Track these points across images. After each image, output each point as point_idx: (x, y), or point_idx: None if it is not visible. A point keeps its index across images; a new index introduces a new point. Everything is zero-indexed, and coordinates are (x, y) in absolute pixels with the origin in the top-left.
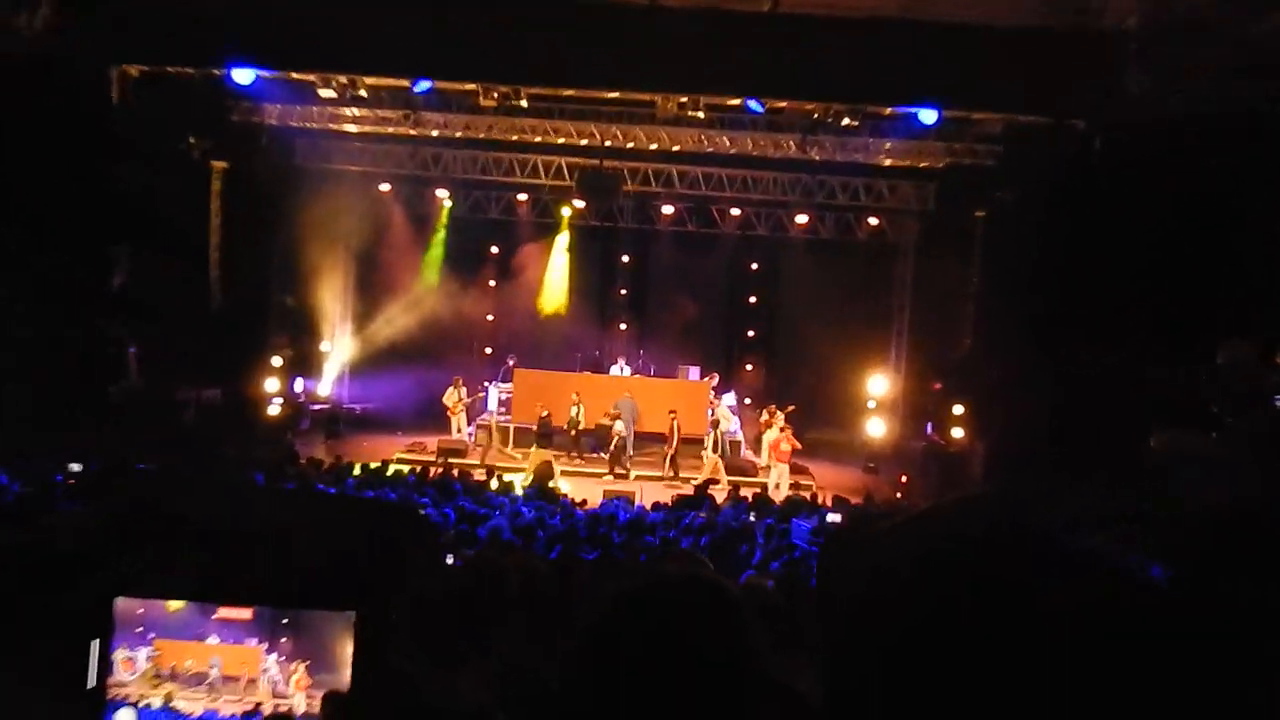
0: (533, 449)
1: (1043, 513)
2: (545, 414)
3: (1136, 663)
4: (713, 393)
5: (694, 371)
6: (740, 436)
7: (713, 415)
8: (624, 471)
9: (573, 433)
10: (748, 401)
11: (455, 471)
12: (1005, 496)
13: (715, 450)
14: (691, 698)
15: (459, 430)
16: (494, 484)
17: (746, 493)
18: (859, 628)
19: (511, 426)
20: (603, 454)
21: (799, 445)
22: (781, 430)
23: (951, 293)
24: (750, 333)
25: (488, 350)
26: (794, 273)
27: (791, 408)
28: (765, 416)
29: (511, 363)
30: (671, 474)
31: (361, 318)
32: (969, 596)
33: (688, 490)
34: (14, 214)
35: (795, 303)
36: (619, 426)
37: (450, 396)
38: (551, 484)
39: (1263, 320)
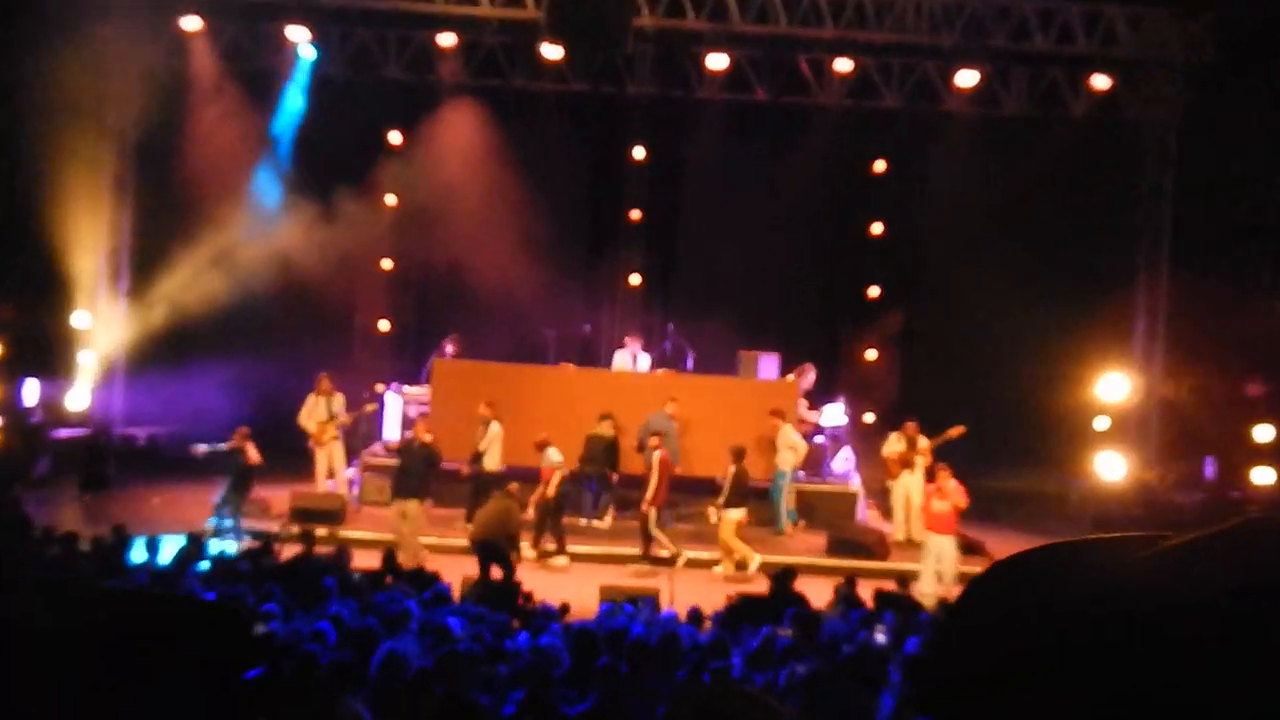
0: (398, 505)
1: None
2: (426, 438)
3: None
4: (803, 402)
5: (768, 362)
6: (855, 482)
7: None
8: (556, 550)
9: (470, 471)
10: (869, 419)
11: (323, 552)
12: None
13: (727, 503)
14: None
15: (330, 475)
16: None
17: (867, 588)
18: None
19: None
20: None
21: (962, 502)
22: (930, 472)
23: (1253, 210)
24: (872, 290)
25: (383, 325)
26: (951, 178)
27: (957, 433)
28: (899, 445)
29: (450, 349)
30: (648, 553)
31: (145, 269)
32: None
33: (750, 584)
34: None
35: (954, 236)
36: (552, 458)
37: (312, 413)
38: (510, 567)
39: None
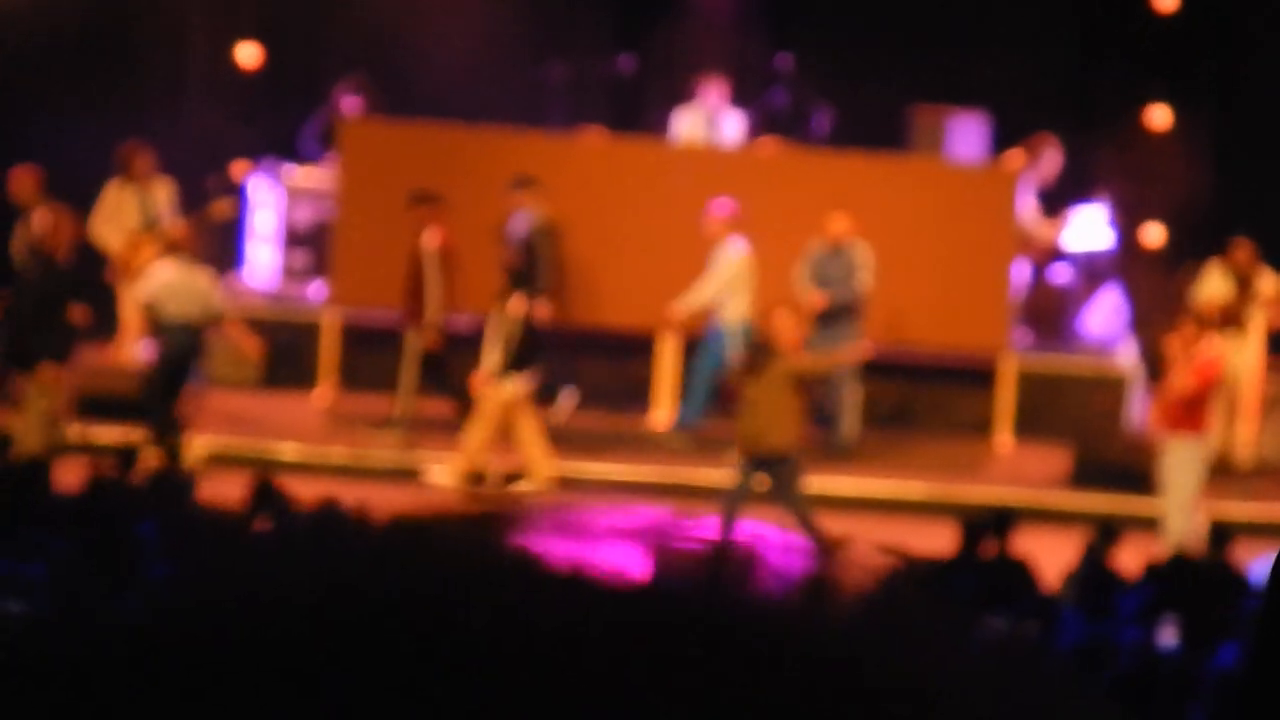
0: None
1: None
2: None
3: None
4: (1034, 205)
5: (966, 127)
6: (1126, 355)
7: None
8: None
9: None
10: (1155, 237)
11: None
12: None
13: (509, 364)
14: None
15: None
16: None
17: (1142, 548)
18: None
19: (325, 323)
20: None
21: (1197, 380)
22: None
23: None
24: None
25: (247, 53)
26: None
27: None
28: (1221, 285)
29: (348, 102)
30: None
31: None
32: None
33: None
34: None
35: None
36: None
37: (116, 217)
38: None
39: None
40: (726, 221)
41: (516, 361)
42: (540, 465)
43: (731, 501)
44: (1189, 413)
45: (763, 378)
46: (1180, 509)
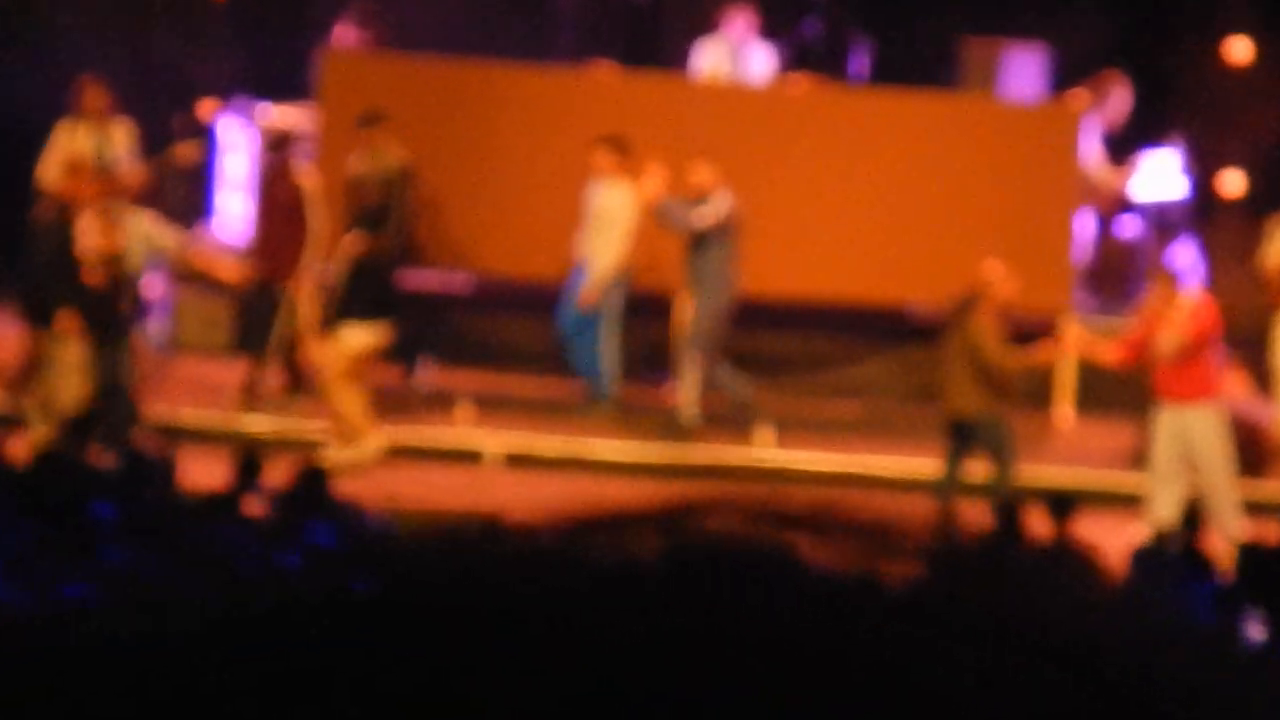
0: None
1: None
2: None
3: None
4: (1098, 150)
5: (1023, 61)
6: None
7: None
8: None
9: None
10: (1233, 186)
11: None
12: None
13: (341, 312)
14: None
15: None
16: None
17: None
18: None
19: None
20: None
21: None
22: None
23: None
24: None
25: None
26: None
27: None
28: None
29: (350, 33)
30: None
31: None
32: None
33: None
34: None
35: None
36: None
37: (69, 160)
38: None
39: None
40: (618, 162)
41: (359, 310)
42: (368, 433)
43: (946, 480)
44: (1195, 375)
45: (958, 335)
46: (1228, 487)
